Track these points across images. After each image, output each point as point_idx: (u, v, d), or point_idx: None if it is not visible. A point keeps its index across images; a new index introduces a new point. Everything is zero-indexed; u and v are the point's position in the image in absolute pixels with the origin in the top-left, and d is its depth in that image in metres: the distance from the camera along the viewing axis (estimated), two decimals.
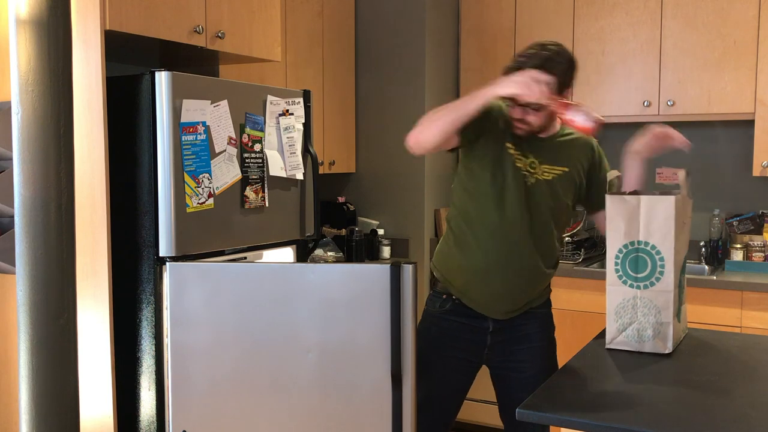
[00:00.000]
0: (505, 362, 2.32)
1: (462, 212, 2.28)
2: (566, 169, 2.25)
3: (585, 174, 2.31)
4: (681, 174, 2.12)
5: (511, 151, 2.19)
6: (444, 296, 2.33)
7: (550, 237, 2.28)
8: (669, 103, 3.64)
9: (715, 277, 3.40)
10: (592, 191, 2.33)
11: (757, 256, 3.62)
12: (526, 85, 1.96)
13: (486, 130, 2.18)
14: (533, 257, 2.24)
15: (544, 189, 2.21)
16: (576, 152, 2.29)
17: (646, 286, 2.04)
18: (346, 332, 2.10)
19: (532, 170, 2.21)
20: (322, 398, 2.12)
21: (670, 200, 2.01)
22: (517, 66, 2.13)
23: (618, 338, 2.09)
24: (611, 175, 2.22)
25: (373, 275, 2.06)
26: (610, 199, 2.08)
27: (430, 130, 2.09)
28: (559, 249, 2.37)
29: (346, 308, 2.10)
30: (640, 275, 2.04)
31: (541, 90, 1.97)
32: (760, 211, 3.72)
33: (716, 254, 3.74)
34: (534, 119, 2.15)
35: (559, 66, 2.12)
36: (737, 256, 3.64)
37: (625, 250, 2.05)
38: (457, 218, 2.30)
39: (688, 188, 2.14)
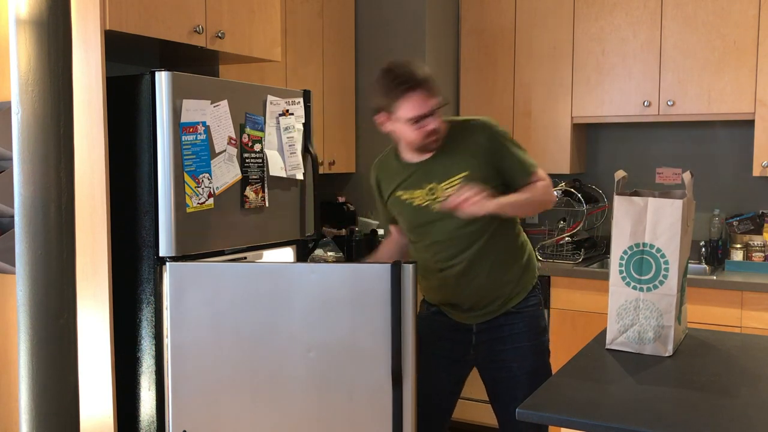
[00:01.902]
0: (492, 362, 2.34)
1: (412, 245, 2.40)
2: (466, 173, 2.18)
3: (489, 163, 2.20)
4: (687, 176, 2.11)
5: (405, 197, 2.27)
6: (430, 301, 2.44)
7: (492, 241, 2.25)
8: (669, 103, 3.64)
9: (715, 277, 3.40)
10: (506, 176, 2.23)
11: (757, 256, 3.62)
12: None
13: (382, 203, 2.40)
14: (479, 267, 2.26)
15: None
16: (469, 149, 2.21)
17: (649, 289, 2.04)
18: (346, 332, 2.10)
19: (432, 196, 2.21)
20: (323, 398, 2.13)
21: (677, 204, 2.00)
22: (390, 86, 2.14)
23: (619, 339, 2.09)
24: (618, 175, 2.21)
25: (374, 274, 2.06)
26: (617, 200, 2.07)
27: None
28: (516, 244, 2.32)
29: (346, 308, 2.10)
30: (644, 277, 2.04)
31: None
32: (760, 211, 3.72)
33: (716, 254, 3.74)
34: (436, 124, 2.16)
35: (432, 85, 2.19)
36: (737, 256, 3.64)
37: (630, 252, 2.05)
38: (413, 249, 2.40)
39: (692, 190, 2.13)
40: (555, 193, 2.15)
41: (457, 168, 2.20)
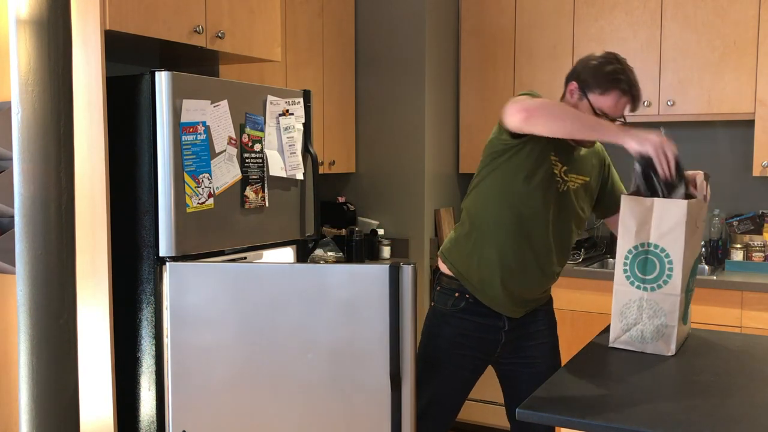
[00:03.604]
0: (515, 359, 2.34)
1: (490, 211, 2.25)
2: (587, 179, 2.29)
3: (599, 183, 2.37)
4: (699, 177, 2.12)
5: (553, 158, 2.20)
6: (456, 294, 2.29)
7: (569, 241, 2.34)
8: (669, 103, 3.64)
9: (715, 277, 3.40)
10: (604, 199, 2.39)
11: (757, 256, 3.62)
12: (661, 152, 1.98)
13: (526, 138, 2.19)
14: (553, 259, 2.29)
15: (571, 196, 2.26)
16: (594, 162, 2.34)
17: (653, 289, 2.03)
18: (345, 333, 2.10)
19: (565, 178, 2.24)
20: (322, 399, 2.12)
21: (683, 204, 2.00)
22: (613, 77, 2.15)
23: (622, 338, 2.09)
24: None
25: (372, 276, 2.06)
26: (624, 200, 2.06)
27: (547, 124, 2.04)
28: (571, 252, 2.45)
29: (345, 309, 2.09)
30: (648, 277, 2.04)
31: (669, 161, 1.99)
32: (760, 211, 3.72)
33: (716, 254, 3.74)
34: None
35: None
36: (737, 256, 3.64)
37: (634, 251, 2.04)
38: (484, 216, 2.27)
39: (708, 191, 2.14)
40: None
41: (585, 169, 2.28)
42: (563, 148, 2.23)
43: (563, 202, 2.24)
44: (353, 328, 2.09)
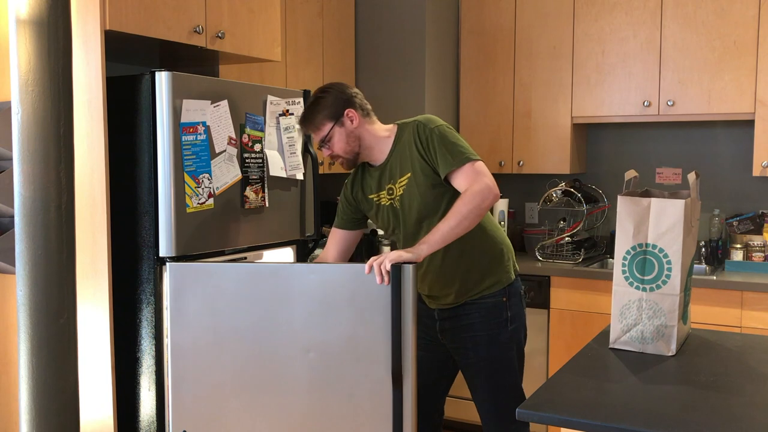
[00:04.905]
0: (455, 349, 2.48)
1: None
2: (409, 174, 2.34)
3: (425, 160, 2.31)
4: (691, 177, 2.11)
5: (371, 196, 2.44)
6: None
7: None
8: (669, 103, 3.64)
9: (715, 277, 3.40)
10: (437, 166, 2.30)
11: (757, 256, 3.62)
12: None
13: (360, 207, 2.51)
14: (436, 261, 2.36)
15: (408, 201, 2.35)
16: (406, 153, 2.35)
17: (652, 289, 2.03)
18: (346, 332, 2.10)
19: (391, 195, 2.39)
20: (322, 398, 2.13)
21: (679, 204, 2.00)
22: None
23: (622, 338, 2.09)
24: (628, 175, 2.20)
25: (373, 275, 2.06)
26: (621, 200, 2.06)
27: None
28: (478, 244, 2.38)
29: (346, 308, 2.10)
30: (646, 277, 2.04)
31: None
32: (760, 211, 3.72)
33: (716, 254, 3.74)
34: (331, 152, 2.37)
35: (315, 116, 2.34)
36: (737, 256, 3.64)
37: (633, 252, 2.04)
38: None
39: (697, 191, 2.13)
40: (491, 189, 2.22)
41: (403, 169, 2.36)
42: (379, 176, 2.40)
43: (408, 212, 2.36)
44: (354, 327, 2.09)
